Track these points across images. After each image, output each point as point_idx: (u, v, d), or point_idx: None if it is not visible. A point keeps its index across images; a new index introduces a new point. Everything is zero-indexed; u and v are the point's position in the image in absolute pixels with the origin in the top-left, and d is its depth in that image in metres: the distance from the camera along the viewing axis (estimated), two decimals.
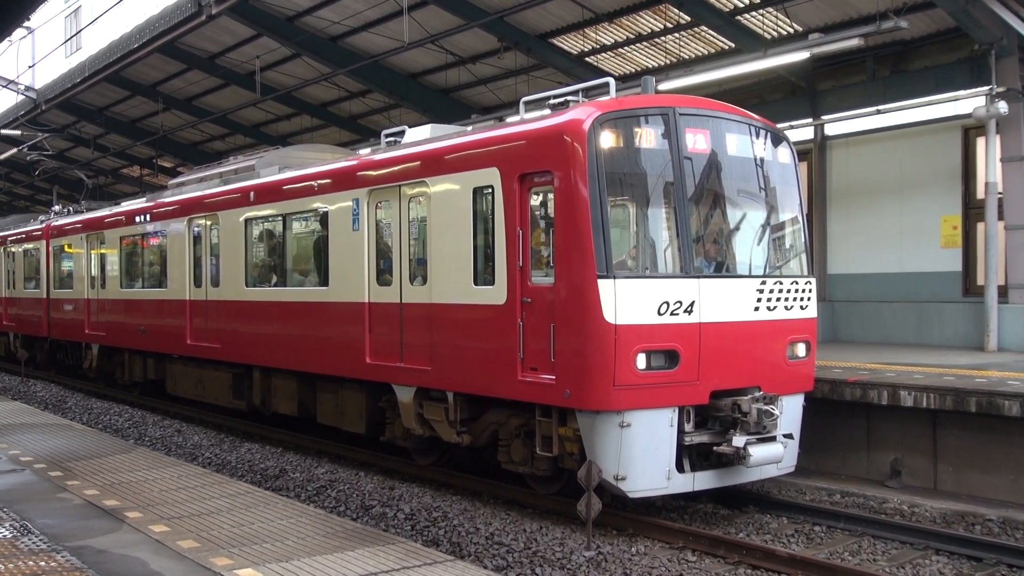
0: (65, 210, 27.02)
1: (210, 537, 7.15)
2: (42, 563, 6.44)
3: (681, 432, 9.50)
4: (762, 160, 10.49)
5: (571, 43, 20.66)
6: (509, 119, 12.25)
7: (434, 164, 11.23)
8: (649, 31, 19.27)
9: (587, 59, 20.91)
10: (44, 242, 25.32)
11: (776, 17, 17.27)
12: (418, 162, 11.52)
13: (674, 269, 9.72)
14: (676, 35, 18.97)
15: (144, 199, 20.62)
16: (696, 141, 9.88)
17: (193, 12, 19.92)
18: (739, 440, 9.41)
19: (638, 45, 19.99)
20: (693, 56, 19.55)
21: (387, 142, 13.07)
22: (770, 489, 11.28)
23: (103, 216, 21.75)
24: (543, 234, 9.79)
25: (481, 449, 11.32)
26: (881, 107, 16.99)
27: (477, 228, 10.53)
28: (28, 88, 30.66)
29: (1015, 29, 14.48)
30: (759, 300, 10.01)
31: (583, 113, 9.51)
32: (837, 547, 9.31)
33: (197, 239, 16.94)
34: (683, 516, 10.36)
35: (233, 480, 9.73)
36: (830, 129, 18.40)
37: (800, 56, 15.95)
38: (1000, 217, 15.38)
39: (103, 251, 21.38)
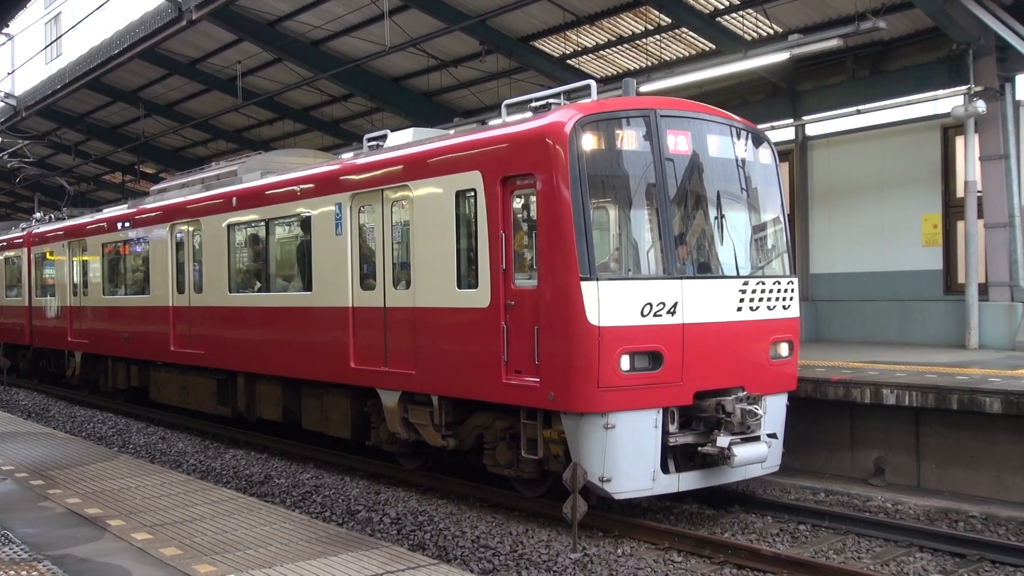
0: (47, 217, 26.88)
1: (193, 544, 7.12)
2: (23, 573, 6.40)
3: (666, 433, 9.53)
4: (743, 161, 10.53)
5: (552, 46, 20.69)
6: (491, 122, 12.28)
7: (416, 168, 11.22)
8: (630, 33, 19.32)
9: (568, 62, 20.94)
10: (26, 250, 25.19)
11: (756, 18, 17.35)
12: (400, 166, 11.51)
13: (657, 270, 9.74)
14: (657, 37, 19.03)
15: (126, 205, 20.52)
16: (677, 142, 9.90)
17: (174, 17, 19.91)
18: (723, 440, 9.44)
19: (619, 47, 20.04)
20: (674, 58, 19.61)
21: (369, 146, 13.04)
22: (755, 489, 11.32)
23: (85, 223, 21.65)
24: (526, 237, 9.80)
25: (467, 452, 11.32)
26: (861, 107, 17.07)
27: (460, 231, 10.52)
28: (8, 95, 30.55)
29: (992, 29, 14.57)
30: (742, 300, 10.05)
31: (564, 115, 9.52)
32: (822, 545, 9.35)
33: (180, 245, 16.87)
34: (669, 517, 10.38)
35: (217, 487, 9.70)
36: (811, 129, 18.48)
37: (780, 57, 16.05)
38: (980, 215, 15.47)
39: (85, 258, 21.28)
